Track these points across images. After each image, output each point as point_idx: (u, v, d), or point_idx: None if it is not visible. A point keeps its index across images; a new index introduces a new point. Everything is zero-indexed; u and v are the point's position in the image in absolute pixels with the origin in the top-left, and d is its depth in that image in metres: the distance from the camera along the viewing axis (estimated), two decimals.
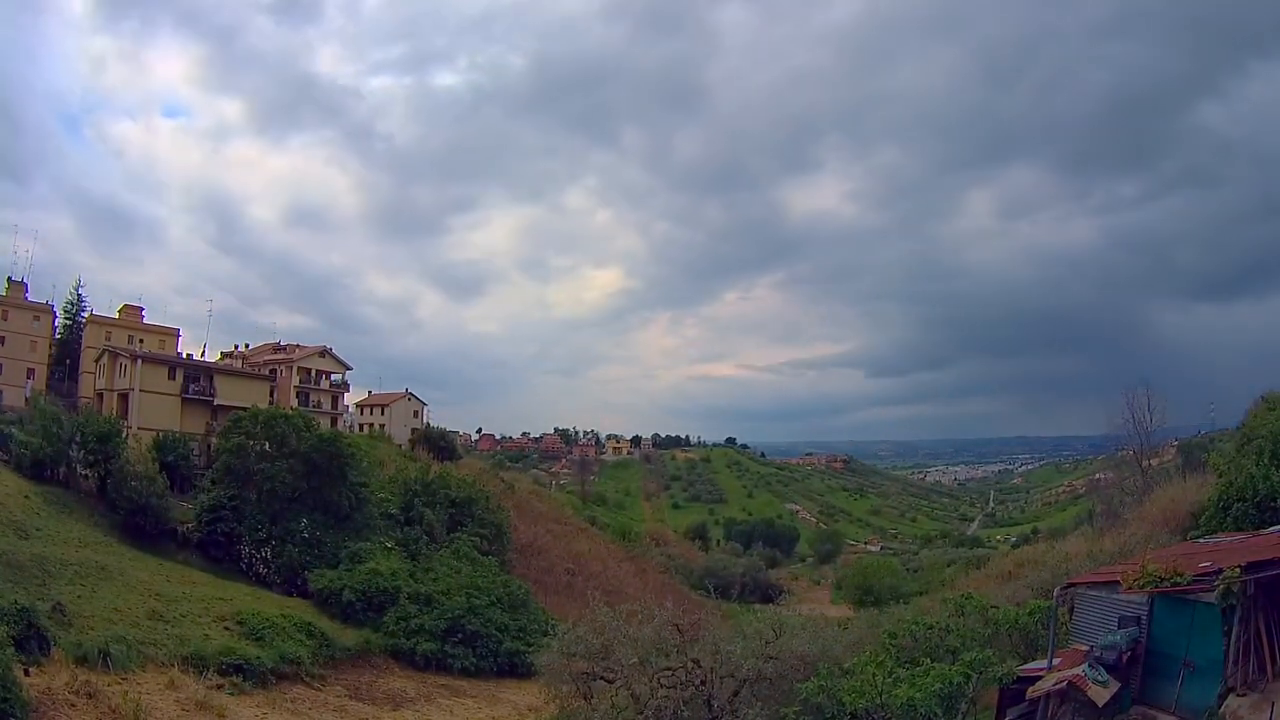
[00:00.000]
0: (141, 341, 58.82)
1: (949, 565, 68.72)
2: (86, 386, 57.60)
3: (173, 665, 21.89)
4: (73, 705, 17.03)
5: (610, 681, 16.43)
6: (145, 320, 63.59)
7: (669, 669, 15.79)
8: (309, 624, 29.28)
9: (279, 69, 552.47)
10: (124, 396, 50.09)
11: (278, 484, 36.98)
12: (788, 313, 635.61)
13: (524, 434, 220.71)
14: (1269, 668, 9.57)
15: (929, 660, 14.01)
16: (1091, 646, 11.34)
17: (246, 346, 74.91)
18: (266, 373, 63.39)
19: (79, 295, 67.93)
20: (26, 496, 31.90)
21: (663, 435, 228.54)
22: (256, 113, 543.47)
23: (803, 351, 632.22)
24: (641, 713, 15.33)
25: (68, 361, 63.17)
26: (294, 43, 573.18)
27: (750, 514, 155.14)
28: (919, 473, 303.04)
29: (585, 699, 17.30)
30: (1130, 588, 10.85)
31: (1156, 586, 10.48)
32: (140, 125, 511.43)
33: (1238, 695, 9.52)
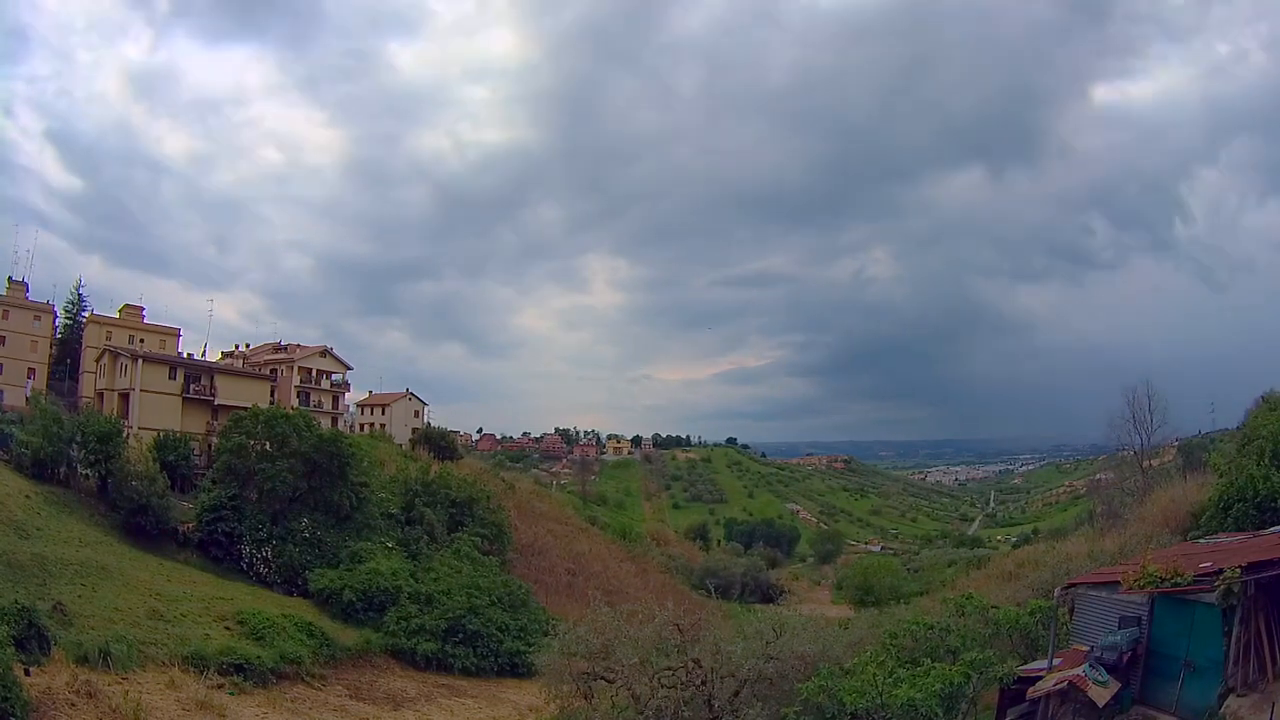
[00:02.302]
0: (142, 341, 58.82)
1: (949, 565, 68.75)
2: (87, 386, 57.61)
3: (173, 665, 21.92)
4: (73, 705, 17.04)
5: (611, 681, 16.43)
6: (146, 320, 63.60)
7: (669, 669, 15.78)
8: (309, 624, 29.30)
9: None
10: (124, 396, 50.09)
11: (278, 484, 36.97)
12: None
13: (525, 434, 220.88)
14: (1269, 668, 9.56)
15: (929, 660, 14.01)
16: (1092, 647, 11.34)
17: (247, 346, 74.90)
18: (267, 372, 63.39)
19: (79, 295, 68.10)
20: (27, 496, 31.91)
21: (663, 435, 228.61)
22: None
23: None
24: (642, 713, 15.34)
25: (68, 361, 63.17)
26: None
27: (751, 514, 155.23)
28: (919, 473, 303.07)
29: (586, 699, 17.31)
30: (1131, 588, 10.84)
31: (1157, 587, 10.47)
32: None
33: (1238, 696, 9.51)
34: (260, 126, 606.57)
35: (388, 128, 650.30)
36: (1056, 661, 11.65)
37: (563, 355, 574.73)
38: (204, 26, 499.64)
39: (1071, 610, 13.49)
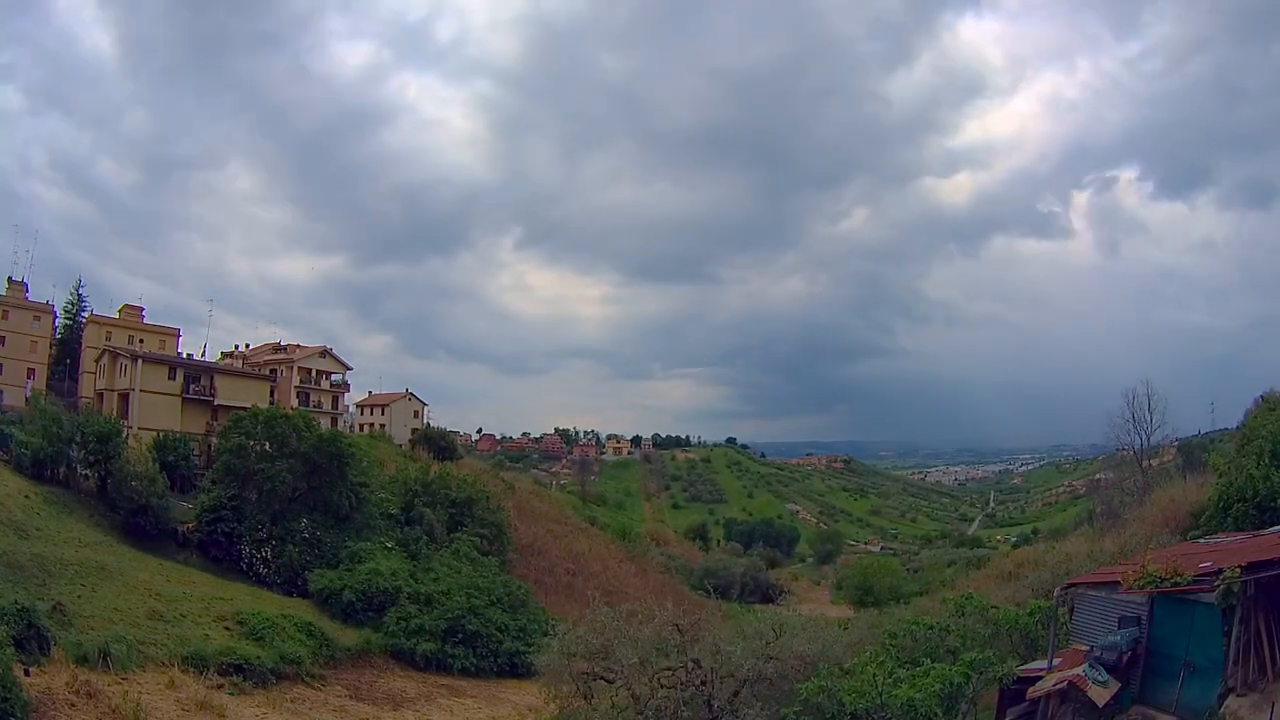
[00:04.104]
0: (142, 341, 58.80)
1: (949, 565, 68.78)
2: (87, 386, 57.61)
3: (173, 665, 21.91)
4: (73, 705, 17.04)
5: (610, 681, 16.42)
6: (145, 320, 63.57)
7: (669, 669, 15.79)
8: (309, 624, 29.30)
9: None
10: (124, 396, 50.09)
11: (278, 484, 36.97)
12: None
13: (524, 434, 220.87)
14: (1269, 668, 9.55)
15: (929, 660, 14.02)
16: (1092, 647, 11.34)
17: (247, 346, 74.95)
18: (267, 373, 63.41)
19: (79, 295, 68.10)
20: (26, 496, 31.91)
21: (663, 435, 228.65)
22: None
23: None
24: (641, 713, 15.34)
25: (68, 361, 63.17)
26: None
27: (750, 514, 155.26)
28: (919, 473, 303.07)
29: (585, 699, 17.30)
30: (1130, 588, 10.84)
31: (1157, 587, 10.47)
32: None
33: (1238, 696, 9.50)
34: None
35: (358, 164, 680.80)
36: (1056, 661, 11.65)
37: (544, 360, 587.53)
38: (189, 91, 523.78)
39: (1071, 610, 13.48)
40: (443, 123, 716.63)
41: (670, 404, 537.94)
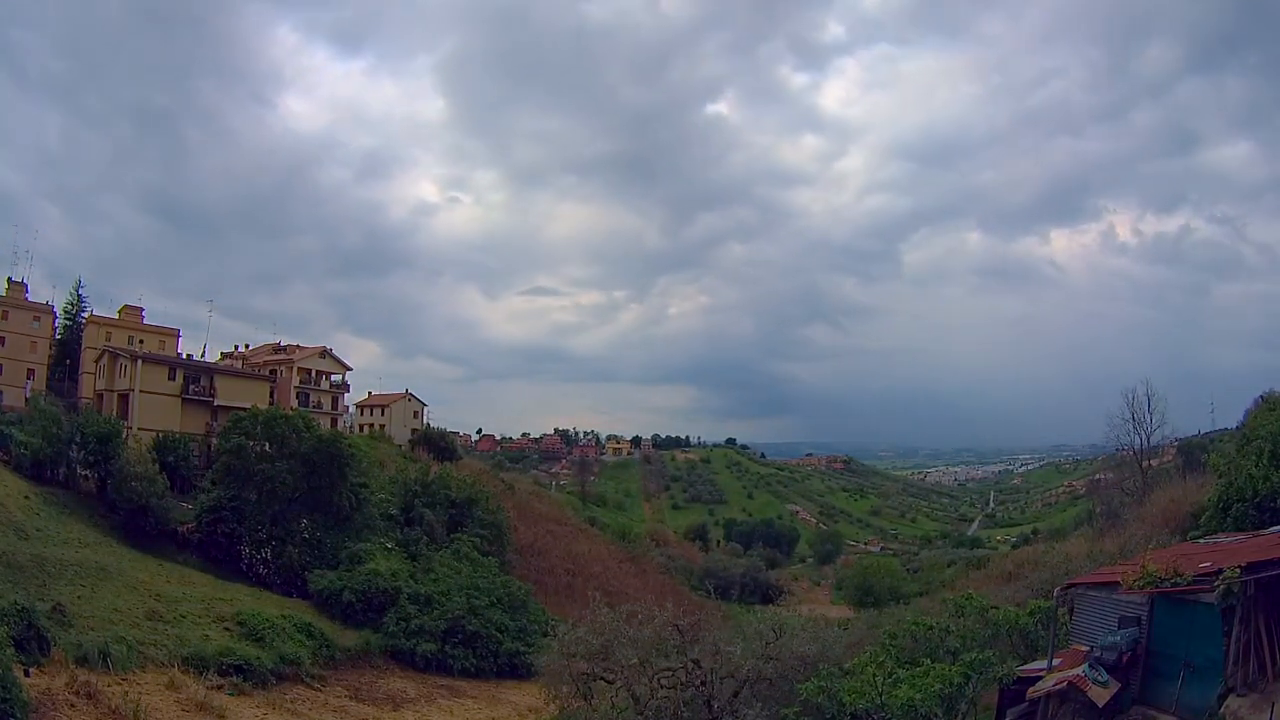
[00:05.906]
0: (141, 342, 58.73)
1: (949, 566, 68.79)
2: (86, 387, 57.55)
3: (173, 666, 21.93)
4: (73, 705, 17.05)
5: (610, 682, 16.44)
6: (145, 321, 63.52)
7: (669, 669, 15.80)
8: (309, 625, 29.32)
9: None
10: (124, 397, 50.03)
11: (278, 484, 36.96)
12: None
13: (524, 434, 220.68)
14: (1269, 668, 9.55)
15: (929, 661, 14.03)
16: (1091, 647, 11.34)
17: (247, 347, 74.89)
18: (267, 373, 63.32)
19: (79, 296, 68.00)
20: (26, 497, 31.90)
21: (663, 436, 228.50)
22: None
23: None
24: (641, 713, 15.35)
25: (68, 362, 63.10)
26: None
27: (750, 514, 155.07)
28: (919, 473, 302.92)
29: (585, 699, 17.34)
30: (1130, 588, 10.84)
31: (1156, 587, 10.47)
32: None
33: (1238, 695, 9.50)
34: None
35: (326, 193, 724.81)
36: (1056, 662, 11.66)
37: (530, 364, 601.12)
38: None
39: (1071, 610, 13.48)
40: (400, 159, 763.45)
41: (660, 406, 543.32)
